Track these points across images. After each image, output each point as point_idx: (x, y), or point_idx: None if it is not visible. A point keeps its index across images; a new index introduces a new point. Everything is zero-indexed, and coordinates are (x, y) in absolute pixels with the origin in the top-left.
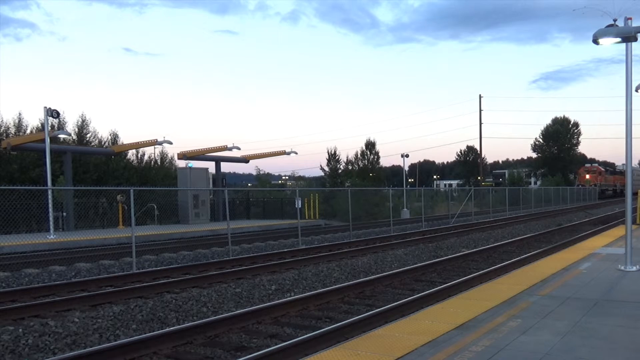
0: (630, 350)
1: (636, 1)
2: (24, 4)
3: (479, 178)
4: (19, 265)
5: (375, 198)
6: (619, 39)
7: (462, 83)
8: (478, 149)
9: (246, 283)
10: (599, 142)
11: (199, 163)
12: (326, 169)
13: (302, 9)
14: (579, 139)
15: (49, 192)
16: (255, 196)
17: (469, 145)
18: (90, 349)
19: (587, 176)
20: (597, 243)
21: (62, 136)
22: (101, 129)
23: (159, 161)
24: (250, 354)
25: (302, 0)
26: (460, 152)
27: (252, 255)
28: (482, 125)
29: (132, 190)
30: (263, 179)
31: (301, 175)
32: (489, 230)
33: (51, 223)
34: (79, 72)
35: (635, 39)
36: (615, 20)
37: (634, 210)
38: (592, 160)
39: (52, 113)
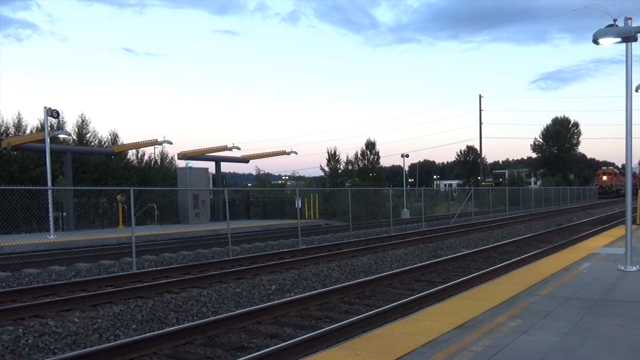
0: (630, 350)
1: (636, 1)
2: (25, 4)
3: (479, 178)
4: (19, 265)
5: (375, 198)
6: (619, 39)
7: (462, 83)
8: (478, 149)
9: (246, 283)
10: (599, 142)
11: (199, 163)
12: (326, 169)
13: (301, 10)
14: (579, 139)
15: (49, 192)
16: (255, 196)
17: (469, 145)
18: (90, 349)
19: (605, 177)
20: (597, 243)
21: (62, 136)
22: (101, 129)
23: (159, 161)
24: (250, 354)
25: (302, 0)
26: (460, 152)
27: (252, 255)
28: (482, 125)
29: (132, 190)
30: (263, 179)
31: (301, 175)
32: (489, 230)
33: (51, 223)
34: (79, 72)
35: (635, 39)
36: (615, 20)
37: (634, 210)
38: (592, 160)
39: (52, 113)
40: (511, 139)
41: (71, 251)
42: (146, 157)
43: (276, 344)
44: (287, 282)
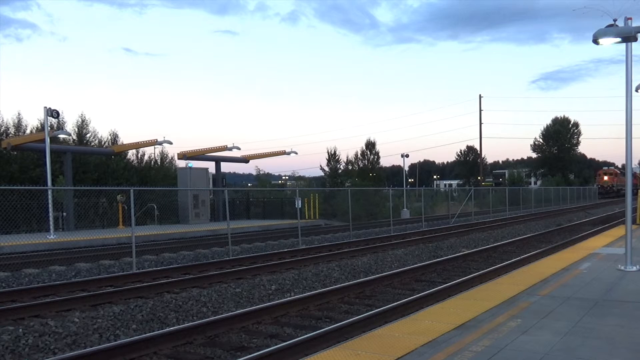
0: (630, 350)
1: (636, 1)
2: (25, 4)
3: (479, 178)
4: (19, 265)
5: (375, 198)
6: (619, 39)
7: (462, 83)
8: (478, 149)
9: (246, 283)
10: (599, 142)
11: (199, 163)
12: (326, 169)
13: (301, 10)
14: (579, 139)
15: (49, 192)
16: (255, 196)
17: (469, 145)
18: (90, 349)
19: (606, 177)
20: (597, 243)
21: (62, 136)
22: (101, 129)
23: (159, 161)
24: (250, 354)
25: (302, 0)
26: (460, 152)
27: (252, 255)
28: (482, 125)
29: (132, 190)
30: (263, 179)
31: (301, 175)
32: (489, 230)
33: (51, 223)
34: (79, 72)
35: (635, 39)
36: (615, 20)
37: (634, 210)
38: (592, 160)
39: (52, 113)
40: (511, 139)
41: (71, 251)
42: (146, 157)
43: (276, 344)
44: (287, 282)
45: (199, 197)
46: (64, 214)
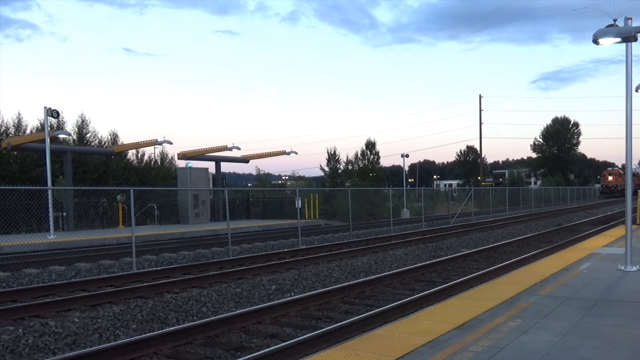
0: (630, 350)
1: (636, 1)
2: (25, 4)
3: (479, 178)
4: (19, 265)
5: (375, 198)
6: (619, 39)
7: (462, 83)
8: (478, 149)
9: (246, 283)
10: (599, 142)
11: (199, 163)
12: (326, 169)
13: (301, 10)
14: (579, 139)
15: (49, 192)
16: (255, 196)
17: (469, 145)
18: (90, 349)
19: (610, 178)
20: (597, 243)
21: (62, 136)
22: (101, 129)
23: (159, 161)
24: (250, 354)
25: (302, 0)
26: (460, 152)
27: (252, 255)
28: (482, 125)
29: (132, 190)
30: (263, 179)
31: (301, 175)
32: (489, 230)
33: (51, 223)
34: (79, 72)
35: (635, 39)
36: (615, 20)
37: (634, 210)
38: (592, 160)
39: (52, 113)
40: (511, 139)
41: (71, 251)
42: (146, 157)
43: (276, 344)
44: (287, 282)
45: (199, 197)
46: (64, 214)
